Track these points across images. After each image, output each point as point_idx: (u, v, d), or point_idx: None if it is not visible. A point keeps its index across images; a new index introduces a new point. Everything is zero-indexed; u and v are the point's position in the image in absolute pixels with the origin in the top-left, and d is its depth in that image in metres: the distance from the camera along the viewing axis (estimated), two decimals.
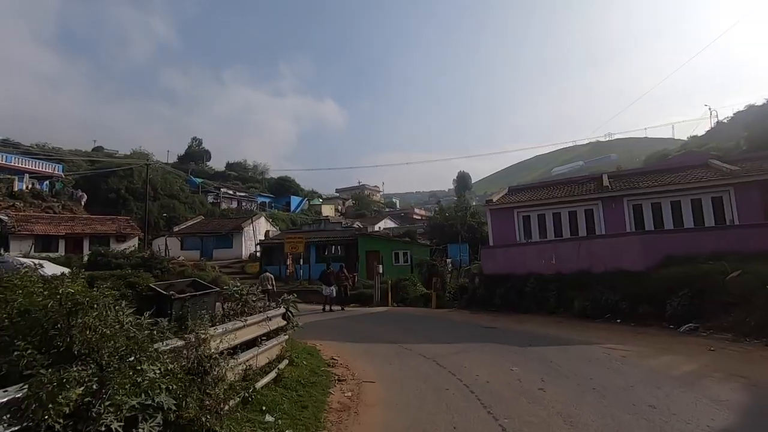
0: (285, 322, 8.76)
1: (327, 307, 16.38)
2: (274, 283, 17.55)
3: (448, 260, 24.23)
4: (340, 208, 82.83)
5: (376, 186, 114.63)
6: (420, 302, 17.68)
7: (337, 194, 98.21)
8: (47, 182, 41.08)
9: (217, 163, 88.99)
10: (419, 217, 78.54)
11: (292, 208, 69.19)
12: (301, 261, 24.34)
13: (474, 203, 47.51)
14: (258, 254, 30.15)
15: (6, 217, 25.82)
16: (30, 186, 39.73)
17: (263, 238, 32.48)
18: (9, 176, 38.03)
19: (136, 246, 30.35)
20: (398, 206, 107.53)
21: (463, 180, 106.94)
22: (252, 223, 35.28)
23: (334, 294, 16.67)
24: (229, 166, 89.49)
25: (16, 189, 38.18)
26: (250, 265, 29.63)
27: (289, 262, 24.05)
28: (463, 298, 15.84)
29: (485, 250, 15.47)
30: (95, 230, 29.14)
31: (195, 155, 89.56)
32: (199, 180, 64.77)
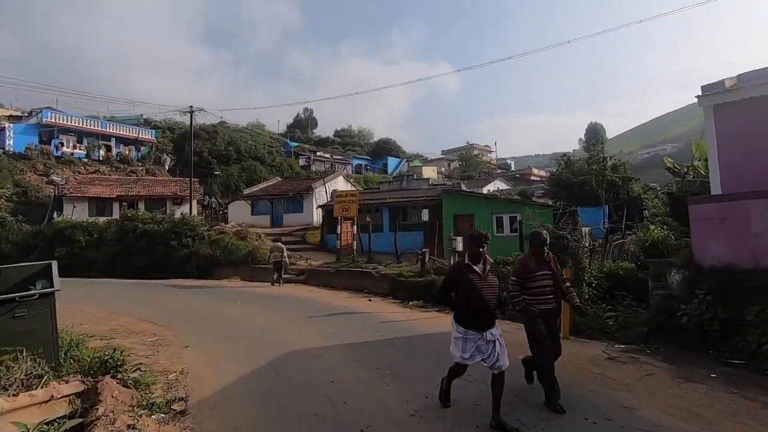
0: None
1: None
2: (285, 254, 15.19)
3: (585, 229, 14.98)
4: (444, 169, 74.41)
5: (487, 146, 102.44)
6: None
7: (442, 156, 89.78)
8: (142, 148, 41.13)
9: (327, 132, 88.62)
10: (538, 179, 66.48)
11: (389, 170, 63.38)
12: (355, 227, 17.39)
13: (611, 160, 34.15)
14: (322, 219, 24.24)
15: (58, 179, 24.06)
16: (127, 152, 39.94)
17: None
18: (104, 142, 38.42)
19: (196, 209, 26.94)
20: (513, 168, 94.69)
21: (594, 132, 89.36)
22: (324, 183, 29.46)
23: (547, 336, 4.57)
24: (336, 133, 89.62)
25: (113, 153, 38.37)
26: (311, 233, 23.90)
27: (343, 229, 17.32)
28: (634, 318, 7.12)
29: (701, 207, 6.30)
30: (152, 192, 26.27)
31: (302, 124, 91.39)
32: (294, 144, 62.66)
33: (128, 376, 5.41)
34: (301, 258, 18.57)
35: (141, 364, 6.47)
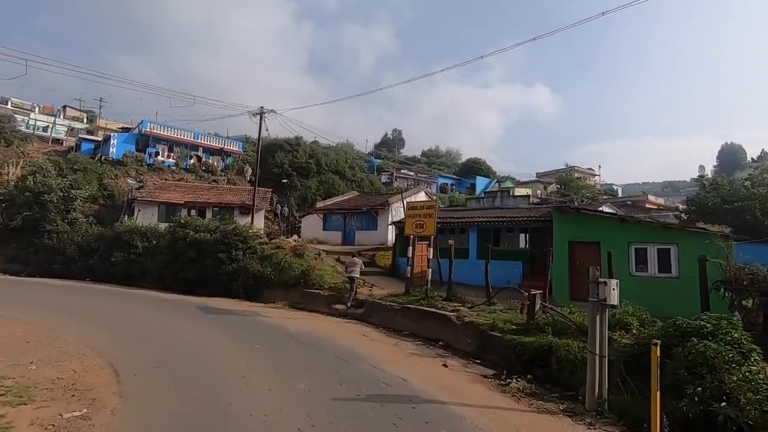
0: None
1: None
2: (359, 269, 13.46)
3: None
4: (539, 192, 66.98)
5: (590, 169, 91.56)
6: None
7: (537, 179, 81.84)
8: (227, 158, 41.68)
9: (414, 153, 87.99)
10: (654, 207, 56.23)
11: (478, 190, 58.20)
12: (432, 251, 13.27)
13: None
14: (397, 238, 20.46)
15: (132, 181, 23.66)
16: (214, 162, 40.61)
17: None
18: (194, 153, 39.40)
19: (263, 220, 25.02)
20: (620, 195, 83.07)
21: (731, 156, 74.69)
22: (402, 199, 25.79)
23: None
24: (423, 153, 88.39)
25: (201, 162, 39.11)
26: (381, 254, 20.24)
27: (417, 252, 13.32)
28: None
29: None
30: (221, 200, 24.90)
31: (389, 143, 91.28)
32: (378, 161, 61.00)
33: None
34: (365, 284, 14.92)
35: None
